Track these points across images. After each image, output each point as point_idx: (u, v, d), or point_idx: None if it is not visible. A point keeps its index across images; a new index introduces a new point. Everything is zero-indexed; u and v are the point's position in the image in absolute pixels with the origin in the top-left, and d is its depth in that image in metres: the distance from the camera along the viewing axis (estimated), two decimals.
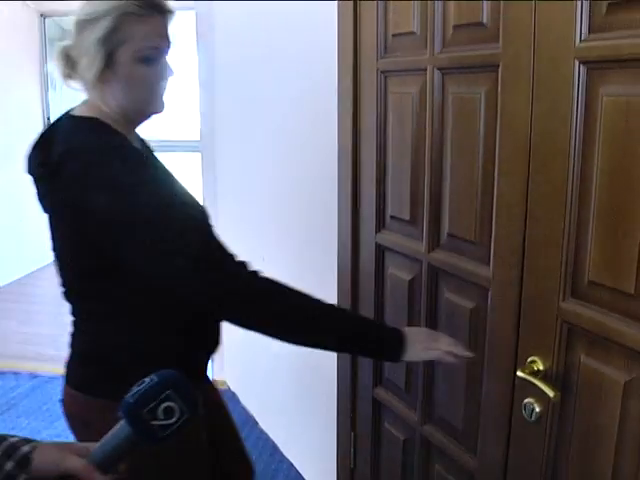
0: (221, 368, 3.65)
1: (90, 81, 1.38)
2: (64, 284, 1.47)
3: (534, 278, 1.44)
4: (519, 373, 1.43)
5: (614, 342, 1.27)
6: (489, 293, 1.58)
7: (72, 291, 1.48)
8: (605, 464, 1.32)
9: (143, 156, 1.43)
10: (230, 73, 3.22)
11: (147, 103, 1.42)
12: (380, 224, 2.01)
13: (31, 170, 1.41)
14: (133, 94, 1.39)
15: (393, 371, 2.00)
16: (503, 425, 1.58)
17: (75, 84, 1.43)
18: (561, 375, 1.40)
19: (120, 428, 0.95)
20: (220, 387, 3.53)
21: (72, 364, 1.51)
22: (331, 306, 1.43)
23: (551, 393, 1.36)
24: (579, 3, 1.25)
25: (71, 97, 1.49)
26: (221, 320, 1.56)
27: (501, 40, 1.46)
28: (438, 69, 1.67)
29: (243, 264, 1.39)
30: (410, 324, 1.88)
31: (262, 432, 3.32)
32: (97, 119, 1.40)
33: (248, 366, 3.44)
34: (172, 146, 5.10)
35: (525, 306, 1.48)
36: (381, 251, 2.02)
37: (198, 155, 3.43)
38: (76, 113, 1.43)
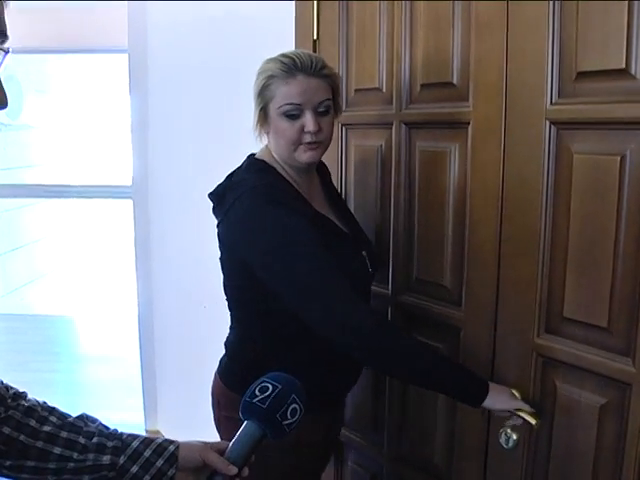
0: (155, 418, 3.59)
1: (254, 128, 1.64)
2: (225, 291, 1.72)
3: (508, 317, 1.58)
4: None
5: (589, 371, 1.42)
6: (461, 333, 1.71)
7: (230, 299, 1.72)
8: None
9: (292, 201, 1.58)
10: (165, 116, 3.24)
11: (291, 153, 1.59)
12: None
13: (211, 194, 1.67)
14: (280, 145, 1.60)
15: (359, 409, 2.08)
16: (479, 454, 1.69)
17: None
18: (537, 403, 1.54)
19: (250, 429, 1.12)
20: None
21: (223, 358, 1.79)
22: (430, 348, 1.64)
23: (533, 421, 1.49)
24: (549, 70, 1.42)
25: None
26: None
27: (471, 100, 1.61)
28: (405, 124, 1.80)
29: (369, 313, 1.55)
30: None
31: None
32: (265, 162, 1.64)
33: (183, 415, 3.41)
34: (101, 192, 4.99)
35: (499, 343, 1.61)
36: None
37: (129, 202, 3.41)
38: (256, 154, 1.69)
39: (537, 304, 1.51)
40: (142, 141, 3.31)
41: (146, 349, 3.57)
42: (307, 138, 1.57)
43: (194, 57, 2.92)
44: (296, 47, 2.15)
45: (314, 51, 2.08)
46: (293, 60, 1.54)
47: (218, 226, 1.65)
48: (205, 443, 1.15)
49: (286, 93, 1.54)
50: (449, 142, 1.69)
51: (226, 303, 1.75)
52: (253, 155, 1.70)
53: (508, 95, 1.51)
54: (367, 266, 1.71)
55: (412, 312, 1.86)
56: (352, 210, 2.01)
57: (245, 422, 1.12)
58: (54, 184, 6.04)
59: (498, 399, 1.51)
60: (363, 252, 1.72)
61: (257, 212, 1.53)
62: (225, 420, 1.76)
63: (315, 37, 2.09)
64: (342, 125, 2.02)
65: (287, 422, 1.12)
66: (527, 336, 1.53)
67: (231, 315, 1.76)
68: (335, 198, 1.82)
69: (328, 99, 1.59)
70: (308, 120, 1.55)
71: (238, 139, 2.27)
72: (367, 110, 1.95)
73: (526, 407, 1.51)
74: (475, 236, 1.63)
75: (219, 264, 1.70)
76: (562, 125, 1.43)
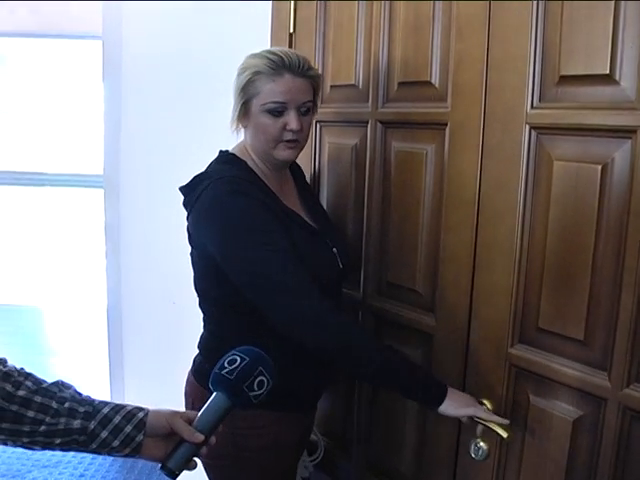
0: None
1: (232, 122, 1.62)
2: (195, 288, 1.69)
3: (482, 326, 1.53)
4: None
5: (563, 384, 1.38)
6: (433, 339, 1.66)
7: (200, 296, 1.70)
8: None
9: (259, 193, 1.55)
10: (139, 105, 3.15)
11: (270, 149, 1.59)
12: None
13: (181, 187, 1.64)
14: (260, 140, 1.59)
15: (329, 416, 2.03)
16: (448, 465, 1.65)
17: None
18: (509, 415, 1.49)
19: (218, 400, 1.16)
20: None
21: (197, 357, 1.77)
22: (387, 347, 1.58)
23: (505, 434, 1.45)
24: (531, 73, 1.37)
25: None
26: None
27: (450, 100, 1.55)
28: (381, 123, 1.75)
29: (328, 309, 1.49)
30: None
31: None
32: (235, 155, 1.64)
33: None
34: (72, 180, 4.88)
35: (472, 351, 1.56)
36: None
37: (100, 191, 3.32)
38: (229, 149, 1.68)
39: (511, 313, 1.47)
40: (115, 130, 3.21)
41: (114, 343, 3.48)
42: (288, 136, 1.57)
43: (170, 46, 2.84)
44: (272, 40, 2.09)
45: (289, 45, 2.03)
46: (281, 58, 1.53)
47: (187, 219, 1.62)
48: (175, 411, 1.19)
49: (272, 90, 1.53)
50: (426, 143, 1.64)
51: (197, 300, 1.71)
52: (226, 151, 1.69)
53: (488, 97, 1.47)
54: (337, 262, 1.69)
55: (383, 317, 1.81)
56: (326, 209, 1.96)
57: (214, 393, 1.17)
58: (25, 171, 5.90)
59: (454, 404, 1.48)
60: (334, 249, 1.69)
61: (221, 202, 1.52)
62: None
63: (291, 30, 2.03)
64: (316, 122, 1.97)
65: (254, 394, 1.16)
66: (500, 345, 1.49)
67: (203, 312, 1.72)
68: (308, 197, 1.79)
69: (310, 100, 1.59)
70: (292, 119, 1.55)
71: (212, 131, 2.22)
72: (342, 107, 1.89)
73: (483, 415, 1.47)
74: (450, 241, 1.59)
75: (190, 259, 1.66)
76: (543, 130, 1.38)
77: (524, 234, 1.43)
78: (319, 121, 1.96)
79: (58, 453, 3.32)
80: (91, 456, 3.36)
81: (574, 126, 1.32)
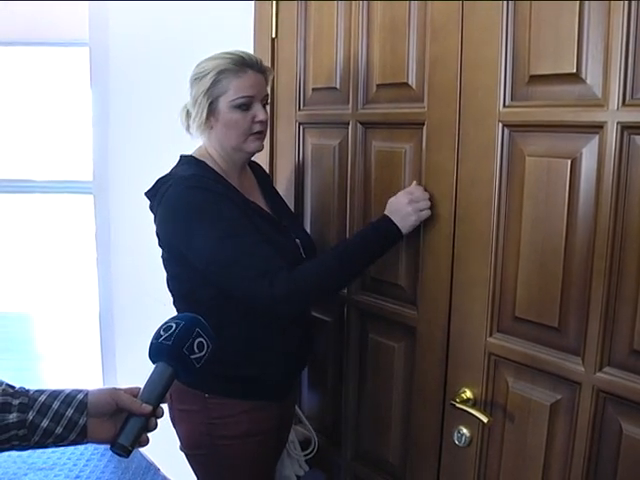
0: None
1: (199, 127, 1.69)
2: (167, 285, 1.77)
3: (461, 317, 1.59)
4: (454, 403, 1.57)
5: (540, 370, 1.44)
6: (416, 332, 1.72)
7: (171, 292, 1.77)
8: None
9: (219, 187, 1.63)
10: (126, 110, 3.19)
11: (241, 143, 1.68)
12: None
13: (146, 193, 1.72)
14: (231, 135, 1.68)
15: (318, 409, 2.08)
16: (433, 452, 1.70)
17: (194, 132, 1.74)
18: (490, 402, 1.56)
19: (160, 368, 1.14)
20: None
21: None
22: (339, 253, 1.64)
23: (485, 419, 1.51)
24: (502, 73, 1.43)
25: None
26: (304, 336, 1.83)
27: (426, 100, 1.61)
28: (361, 123, 1.81)
29: (284, 280, 1.55)
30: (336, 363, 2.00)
31: None
32: (193, 157, 1.73)
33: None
34: (62, 187, 4.91)
35: (453, 342, 1.62)
36: None
37: (90, 197, 3.36)
38: (190, 153, 1.76)
39: (489, 304, 1.53)
40: (103, 135, 3.26)
41: (107, 347, 3.53)
42: (257, 127, 1.67)
43: (156, 51, 2.88)
44: (255, 45, 2.14)
45: (272, 49, 2.08)
46: (241, 57, 1.64)
47: (155, 222, 1.69)
48: (117, 387, 1.15)
49: (239, 86, 1.63)
50: (404, 142, 1.69)
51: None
52: (187, 156, 1.77)
53: (462, 97, 1.53)
54: (300, 252, 1.77)
55: (368, 311, 1.87)
56: (309, 209, 2.02)
57: (155, 364, 1.15)
58: (14, 179, 5.91)
59: (403, 222, 1.61)
60: (297, 240, 1.77)
61: (182, 198, 1.59)
62: (179, 413, 1.77)
63: (274, 35, 2.08)
64: (299, 124, 2.02)
65: (195, 356, 1.15)
66: (479, 335, 1.55)
67: (176, 310, 1.78)
68: (271, 193, 1.89)
69: (267, 94, 1.71)
70: (259, 111, 1.66)
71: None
72: (323, 109, 1.94)
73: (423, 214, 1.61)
74: (429, 236, 1.64)
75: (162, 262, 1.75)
76: (515, 128, 1.44)
77: (499, 227, 1.49)
78: (301, 123, 2.02)
79: (53, 455, 3.35)
80: (86, 457, 3.40)
81: (544, 123, 1.38)
